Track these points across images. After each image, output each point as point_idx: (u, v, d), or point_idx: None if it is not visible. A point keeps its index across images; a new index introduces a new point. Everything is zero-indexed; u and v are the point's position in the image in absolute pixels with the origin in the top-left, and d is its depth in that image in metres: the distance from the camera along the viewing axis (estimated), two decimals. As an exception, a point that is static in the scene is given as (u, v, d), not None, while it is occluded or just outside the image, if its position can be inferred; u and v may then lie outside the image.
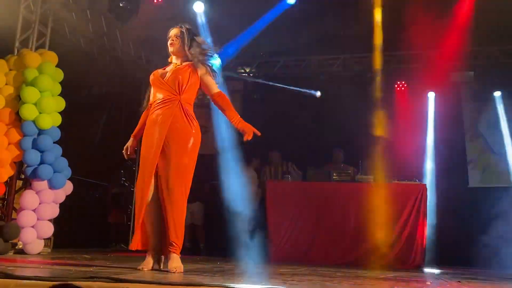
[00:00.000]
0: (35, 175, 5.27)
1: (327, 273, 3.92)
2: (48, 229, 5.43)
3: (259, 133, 3.36)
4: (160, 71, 3.55)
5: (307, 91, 8.07)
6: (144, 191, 3.31)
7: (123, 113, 9.14)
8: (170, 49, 3.54)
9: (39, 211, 5.31)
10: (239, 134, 3.55)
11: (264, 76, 8.82)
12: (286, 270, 4.08)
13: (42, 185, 5.33)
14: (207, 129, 8.72)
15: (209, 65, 3.54)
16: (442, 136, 7.66)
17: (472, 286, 3.18)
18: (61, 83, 5.63)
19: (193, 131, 3.41)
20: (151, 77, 3.53)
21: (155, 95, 3.48)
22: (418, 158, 7.32)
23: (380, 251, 5.69)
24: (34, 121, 5.28)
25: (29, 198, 5.25)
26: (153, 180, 3.33)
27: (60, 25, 6.74)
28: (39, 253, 5.31)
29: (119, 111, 9.00)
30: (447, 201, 7.05)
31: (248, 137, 3.34)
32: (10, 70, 5.40)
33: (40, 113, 5.30)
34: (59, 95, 5.59)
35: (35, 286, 2.20)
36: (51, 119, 5.40)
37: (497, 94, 7.85)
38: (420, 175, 6.35)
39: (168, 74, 3.47)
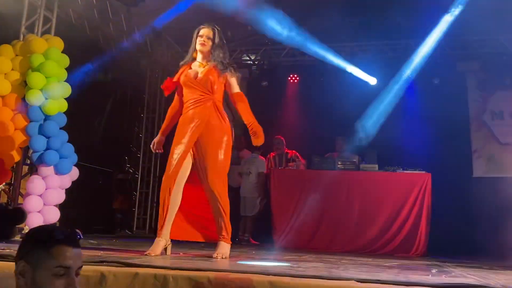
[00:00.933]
0: (41, 160, 5.29)
1: (332, 260, 3.95)
2: (54, 214, 5.46)
3: (262, 141, 3.61)
4: (190, 72, 3.70)
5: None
6: (170, 183, 3.49)
7: (128, 100, 9.16)
8: (200, 48, 3.70)
9: (45, 197, 5.33)
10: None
11: (269, 63, 8.80)
12: (291, 257, 4.12)
13: (48, 170, 5.35)
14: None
15: (234, 67, 3.75)
16: (447, 125, 7.63)
17: (476, 275, 3.19)
18: (66, 69, 5.63)
19: (227, 129, 3.64)
20: (183, 78, 3.69)
21: (188, 95, 3.66)
22: (423, 147, 7.30)
23: (384, 239, 5.73)
24: (40, 107, 5.29)
25: (35, 183, 5.28)
26: (178, 175, 3.52)
27: (66, 10, 6.72)
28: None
29: (125, 98, 9.02)
30: (451, 191, 7.05)
31: (257, 142, 3.58)
32: (16, 55, 5.39)
33: (46, 99, 5.31)
34: (65, 81, 5.59)
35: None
36: (57, 105, 5.40)
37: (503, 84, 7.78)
38: (424, 164, 6.33)
39: (199, 75, 3.66)
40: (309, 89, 8.67)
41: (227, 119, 3.68)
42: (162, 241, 3.51)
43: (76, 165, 5.76)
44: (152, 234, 8.49)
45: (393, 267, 3.56)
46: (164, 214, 3.50)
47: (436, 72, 8.07)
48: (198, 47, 3.70)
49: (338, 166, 6.35)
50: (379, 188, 5.98)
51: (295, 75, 9.06)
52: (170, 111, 3.86)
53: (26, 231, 5.33)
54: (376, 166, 6.17)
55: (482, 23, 6.67)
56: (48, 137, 5.34)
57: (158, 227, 3.57)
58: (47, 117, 5.37)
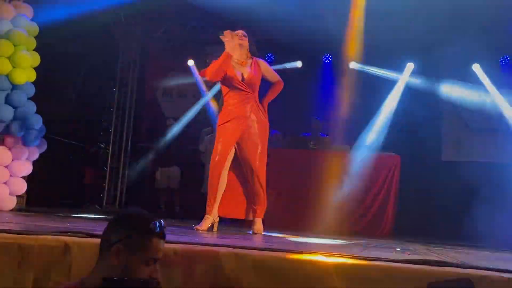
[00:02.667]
0: (7, 131, 5.16)
1: (300, 238, 4.00)
2: (21, 186, 5.37)
3: None
4: (233, 70, 4.07)
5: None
6: (218, 168, 4.05)
7: (100, 72, 8.96)
8: (241, 42, 4.10)
9: (11, 168, 5.23)
10: None
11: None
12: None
13: (15, 141, 5.23)
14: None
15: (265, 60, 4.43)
16: (418, 109, 7.74)
17: (438, 253, 3.29)
18: (36, 38, 5.46)
19: (266, 123, 4.23)
20: (230, 74, 4.05)
21: (232, 92, 4.13)
22: (393, 129, 7.40)
23: (352, 219, 5.82)
24: (7, 76, 5.13)
25: (1, 154, 5.15)
26: (226, 161, 4.08)
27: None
28: (11, 210, 5.26)
29: (96, 71, 8.81)
30: (420, 174, 7.19)
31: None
32: (-17, 22, 5.20)
33: (14, 67, 5.15)
34: (34, 50, 5.42)
35: (5, 239, 2.19)
36: (25, 75, 5.25)
37: (476, 66, 7.88)
38: (395, 147, 6.43)
39: (245, 76, 4.13)
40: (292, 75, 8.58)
41: (266, 113, 4.24)
42: (210, 218, 4.01)
43: (45, 137, 5.65)
44: (122, 209, 8.43)
45: (358, 245, 3.63)
46: (214, 195, 4.03)
47: (409, 56, 8.13)
48: (238, 42, 4.07)
49: (311, 146, 6.39)
50: (350, 169, 6.04)
51: (271, 54, 8.98)
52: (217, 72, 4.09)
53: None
54: (348, 147, 6.23)
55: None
56: (15, 107, 5.21)
57: (207, 205, 4.04)
58: (14, 87, 5.22)
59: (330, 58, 8.51)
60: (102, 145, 8.83)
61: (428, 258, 2.49)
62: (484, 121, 7.82)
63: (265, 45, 7.43)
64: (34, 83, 5.43)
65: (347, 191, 5.73)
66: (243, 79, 4.10)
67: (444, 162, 7.97)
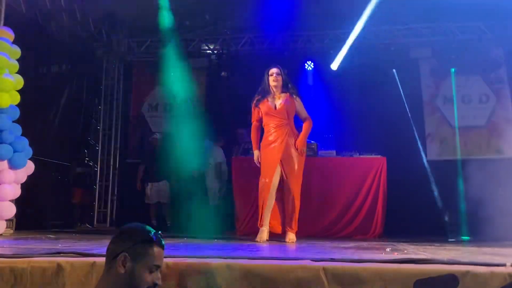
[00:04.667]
0: (-6, 155, 5.14)
1: (290, 245, 4.04)
2: (10, 210, 5.34)
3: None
4: (268, 103, 4.83)
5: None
6: (266, 189, 4.69)
7: (84, 91, 8.95)
8: (274, 83, 4.85)
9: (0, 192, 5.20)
10: None
11: (228, 52, 8.78)
12: (252, 242, 4.19)
13: (2, 165, 5.21)
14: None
15: (296, 93, 4.90)
16: (402, 111, 7.87)
17: (427, 252, 3.35)
18: (18, 60, 5.47)
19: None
20: (264, 108, 4.83)
21: (269, 121, 4.83)
22: (379, 132, 7.50)
23: (342, 222, 5.87)
24: (-9, 100, 5.12)
25: (-12, 178, 5.13)
26: (273, 181, 4.70)
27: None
28: (1, 234, 5.23)
29: (80, 89, 8.81)
30: (406, 174, 7.28)
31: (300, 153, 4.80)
32: (-36, 47, 5.20)
33: (-3, 91, 5.15)
34: (16, 73, 5.43)
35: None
36: (9, 98, 5.25)
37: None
38: (380, 148, 6.51)
39: (277, 106, 4.82)
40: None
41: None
42: (265, 229, 4.65)
43: (32, 159, 5.63)
44: (113, 227, 8.39)
45: (349, 248, 3.68)
46: (264, 210, 4.68)
47: (390, 59, 8.28)
48: (272, 83, 4.83)
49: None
50: (337, 173, 6.11)
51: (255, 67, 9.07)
52: (255, 131, 4.99)
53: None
54: (334, 152, 6.30)
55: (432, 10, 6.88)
56: (0, 131, 5.19)
57: (259, 220, 4.72)
58: (-2, 110, 5.21)
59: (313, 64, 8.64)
60: (90, 163, 8.80)
61: (415, 257, 2.55)
62: (466, 119, 7.98)
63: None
64: (18, 105, 5.42)
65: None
66: (275, 107, 4.82)
67: (429, 161, 8.09)
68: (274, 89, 4.87)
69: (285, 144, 4.74)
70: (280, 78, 4.87)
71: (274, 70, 4.89)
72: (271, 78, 4.87)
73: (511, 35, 7.61)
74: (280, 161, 4.73)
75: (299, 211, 4.81)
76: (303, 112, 4.97)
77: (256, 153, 4.94)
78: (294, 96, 4.87)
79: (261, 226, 4.70)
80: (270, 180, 4.70)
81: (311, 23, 8.14)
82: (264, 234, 4.65)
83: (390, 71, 8.26)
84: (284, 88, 4.87)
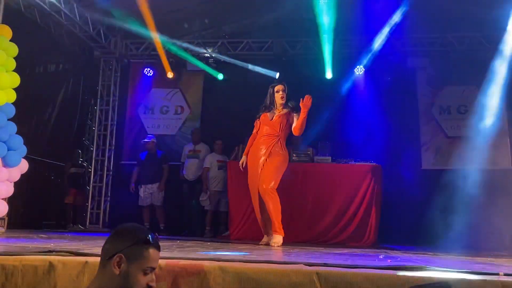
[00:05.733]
0: (-12, 152, 5.10)
1: (284, 250, 4.03)
2: (2, 208, 5.30)
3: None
4: (268, 114, 5.10)
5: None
6: (254, 194, 4.96)
7: (81, 91, 8.93)
8: (281, 101, 5.09)
9: (-8, 190, 5.17)
10: None
11: (226, 56, 8.78)
12: (245, 246, 4.17)
13: (-4, 163, 5.18)
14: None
15: (296, 111, 4.98)
16: (398, 119, 7.89)
17: (420, 259, 3.35)
18: (15, 58, 5.45)
19: (284, 156, 5.03)
20: (262, 117, 5.12)
21: (262, 130, 5.09)
22: (375, 140, 7.52)
23: (336, 229, 5.87)
24: (-13, 97, 5.09)
25: (-18, 176, 5.10)
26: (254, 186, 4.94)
27: (15, -2, 6.49)
28: (-8, 233, 5.19)
29: (77, 89, 8.78)
30: (401, 182, 7.30)
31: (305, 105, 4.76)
32: (-39, 43, 5.17)
33: (-8, 89, 5.12)
34: (13, 71, 5.41)
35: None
36: (5, 95, 5.22)
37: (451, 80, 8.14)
38: (376, 156, 6.52)
39: (274, 118, 5.07)
40: (268, 82, 8.69)
41: (286, 150, 5.08)
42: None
43: (26, 158, 5.60)
44: (106, 228, 8.34)
45: (343, 254, 3.68)
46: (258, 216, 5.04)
47: (387, 68, 8.31)
48: (279, 101, 5.08)
49: (293, 158, 6.44)
50: (332, 179, 6.11)
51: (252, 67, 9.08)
52: (251, 140, 5.21)
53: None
54: (329, 158, 6.30)
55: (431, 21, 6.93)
56: (-5, 129, 5.16)
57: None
58: (-6, 108, 5.18)
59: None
60: (84, 164, 8.76)
61: (409, 264, 2.54)
62: (462, 129, 8.01)
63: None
64: (14, 103, 5.40)
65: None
66: (272, 119, 5.06)
67: (424, 170, 8.11)
68: (278, 105, 5.11)
69: (269, 152, 4.93)
70: (285, 95, 5.10)
71: (280, 87, 5.13)
72: (277, 95, 5.11)
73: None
74: (263, 166, 4.92)
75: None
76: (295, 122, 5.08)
77: (243, 158, 5.20)
78: (293, 113, 5.04)
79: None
80: (256, 185, 4.91)
81: (307, 31, 8.16)
82: (266, 238, 4.98)
83: (387, 79, 8.31)
84: (286, 104, 5.10)
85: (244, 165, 5.17)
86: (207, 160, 7.56)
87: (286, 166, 5.04)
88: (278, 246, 4.55)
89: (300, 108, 4.84)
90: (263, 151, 4.96)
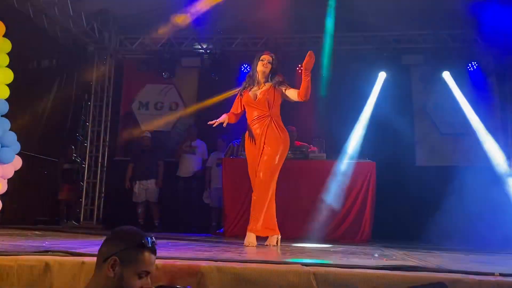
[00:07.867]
0: (-19, 149, 5.06)
1: (280, 248, 4.04)
2: (-4, 205, 5.26)
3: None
4: (249, 93, 4.42)
5: None
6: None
7: (74, 87, 8.87)
8: (261, 68, 4.40)
9: (-14, 187, 5.13)
10: None
11: (221, 52, 8.76)
12: (240, 245, 4.17)
13: (-11, 159, 5.14)
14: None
15: (286, 83, 4.41)
16: (392, 116, 7.91)
17: (415, 257, 3.37)
18: (8, 54, 5.39)
19: (283, 139, 4.37)
20: (244, 99, 4.44)
21: (251, 113, 4.41)
22: (369, 137, 7.55)
23: (330, 226, 5.88)
24: (-21, 93, 5.05)
25: (-25, 173, 5.06)
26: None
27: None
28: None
29: (70, 84, 8.73)
30: (395, 179, 7.33)
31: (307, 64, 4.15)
32: (-47, 39, 5.12)
33: (-15, 85, 5.07)
34: (6, 66, 5.36)
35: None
36: (-2, 92, 5.18)
37: (446, 74, 8.14)
38: (370, 154, 6.54)
39: (258, 96, 4.38)
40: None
41: (284, 131, 4.41)
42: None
43: (19, 154, 5.56)
44: (99, 225, 8.32)
45: (338, 252, 3.69)
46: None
47: (382, 65, 8.32)
48: (260, 68, 4.39)
49: (288, 155, 6.43)
50: (327, 176, 6.11)
51: (247, 65, 9.06)
52: (232, 113, 4.50)
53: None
54: (324, 155, 6.31)
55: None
56: (-12, 125, 5.12)
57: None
58: (-14, 104, 5.14)
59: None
60: (78, 160, 8.72)
61: (404, 263, 2.56)
62: (455, 126, 8.05)
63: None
64: (7, 99, 5.35)
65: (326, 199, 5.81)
66: (255, 98, 4.39)
67: (418, 167, 8.15)
68: (259, 76, 4.43)
69: (265, 137, 4.32)
70: (269, 66, 4.40)
71: (265, 56, 4.43)
72: (260, 63, 4.41)
73: (502, 45, 7.67)
74: (261, 154, 4.35)
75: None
76: (295, 93, 4.39)
77: (223, 116, 4.44)
78: (277, 87, 4.38)
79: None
80: (254, 177, 4.42)
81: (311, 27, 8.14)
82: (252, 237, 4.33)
83: (381, 76, 8.32)
84: (270, 78, 4.41)
85: (219, 120, 4.43)
86: (210, 160, 7.62)
87: (286, 153, 4.44)
88: (252, 246, 4.15)
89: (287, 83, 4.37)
90: (259, 137, 4.34)
